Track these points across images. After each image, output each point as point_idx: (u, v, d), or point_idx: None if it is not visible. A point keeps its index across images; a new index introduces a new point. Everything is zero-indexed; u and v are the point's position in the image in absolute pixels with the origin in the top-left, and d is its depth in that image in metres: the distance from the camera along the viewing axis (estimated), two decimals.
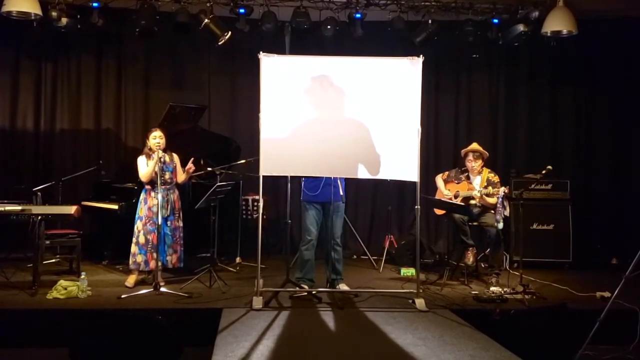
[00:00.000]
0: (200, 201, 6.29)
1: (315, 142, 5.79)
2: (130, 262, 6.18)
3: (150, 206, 6.17)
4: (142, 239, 6.14)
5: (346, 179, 6.19)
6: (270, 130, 5.76)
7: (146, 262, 6.14)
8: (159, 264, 6.05)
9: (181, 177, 6.39)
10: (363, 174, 5.92)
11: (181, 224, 6.36)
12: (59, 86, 8.34)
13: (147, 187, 6.22)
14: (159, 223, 5.95)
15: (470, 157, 6.91)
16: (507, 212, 6.65)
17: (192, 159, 6.34)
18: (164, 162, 6.16)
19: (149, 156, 6.19)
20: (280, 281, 6.14)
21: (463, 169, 7.06)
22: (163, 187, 6.10)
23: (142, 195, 6.24)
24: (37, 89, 8.28)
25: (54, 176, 7.68)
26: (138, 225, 6.19)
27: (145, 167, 6.17)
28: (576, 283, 6.62)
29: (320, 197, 6.04)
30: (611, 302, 4.48)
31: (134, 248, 6.16)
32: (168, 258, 6.19)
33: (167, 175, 6.21)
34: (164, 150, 6.20)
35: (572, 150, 8.69)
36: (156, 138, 6.19)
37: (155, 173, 6.05)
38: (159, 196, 6.01)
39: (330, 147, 5.77)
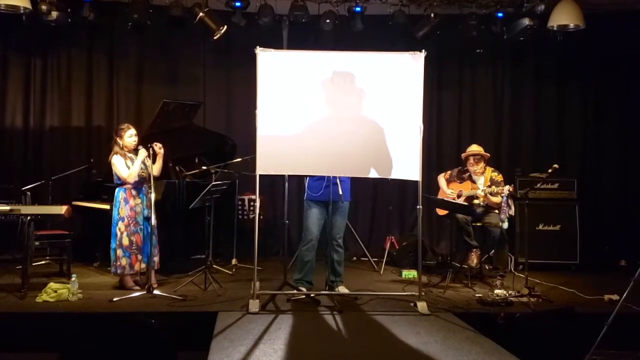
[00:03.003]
0: (194, 201, 6.28)
1: (314, 140, 5.78)
2: (116, 266, 6.09)
3: (132, 206, 6.13)
4: (125, 241, 6.09)
5: (351, 178, 6.19)
6: (267, 128, 5.75)
7: (131, 265, 6.11)
8: (143, 265, 6.06)
9: (159, 167, 6.25)
10: (363, 172, 5.92)
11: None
12: (48, 82, 8.32)
13: (127, 186, 6.15)
14: (153, 223, 5.95)
15: (472, 160, 6.92)
16: (512, 212, 6.66)
17: (155, 143, 6.11)
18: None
19: (124, 155, 6.15)
20: (278, 284, 6.15)
21: (465, 168, 7.06)
22: (143, 185, 6.08)
23: (122, 195, 6.15)
24: (26, 85, 8.26)
25: (43, 175, 7.68)
26: (120, 226, 6.10)
27: (125, 168, 6.12)
28: (583, 285, 6.63)
29: (323, 197, 6.02)
30: (620, 305, 4.48)
31: (118, 251, 6.08)
32: (155, 259, 6.14)
33: (146, 173, 6.16)
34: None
35: (579, 148, 8.70)
36: (132, 136, 6.16)
37: (145, 171, 6.06)
38: (146, 195, 5.99)
39: (329, 145, 5.76)
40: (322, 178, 6.00)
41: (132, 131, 6.19)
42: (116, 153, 6.16)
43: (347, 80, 5.80)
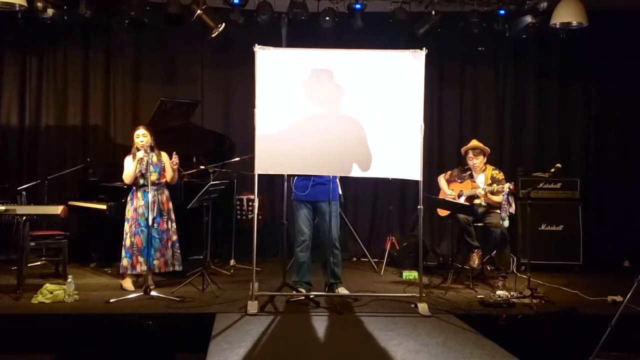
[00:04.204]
0: (192, 201, 6.28)
1: (313, 139, 5.78)
2: (120, 265, 6.20)
3: (135, 207, 6.16)
4: (127, 242, 6.16)
5: (341, 177, 6.18)
6: (266, 127, 5.74)
7: (132, 266, 6.14)
8: (145, 267, 6.07)
9: (170, 175, 6.37)
10: (363, 172, 5.91)
11: (171, 226, 6.33)
12: (44, 80, 8.32)
13: (134, 187, 6.21)
14: (150, 224, 5.95)
15: (470, 154, 6.92)
16: (512, 209, 6.64)
17: (175, 153, 6.25)
18: (151, 162, 6.11)
19: (135, 156, 6.18)
20: (277, 285, 6.14)
21: (466, 167, 7.06)
22: (151, 187, 6.08)
23: (129, 196, 6.24)
24: (22, 84, 8.26)
25: (39, 175, 7.68)
26: (125, 227, 6.19)
27: (128, 168, 6.16)
28: (586, 286, 6.63)
29: (310, 197, 6.04)
30: (623, 306, 4.48)
31: (123, 251, 6.17)
32: (155, 262, 6.16)
33: (155, 176, 6.17)
34: (152, 149, 6.18)
35: (582, 147, 8.69)
36: (139, 136, 6.17)
37: (141, 173, 6.06)
38: (149, 196, 6.00)
39: (328, 144, 5.76)
40: (308, 178, 6.01)
41: (139, 131, 6.21)
42: (130, 153, 6.24)
43: (347, 78, 5.80)
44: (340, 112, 5.82)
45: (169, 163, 6.30)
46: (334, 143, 5.77)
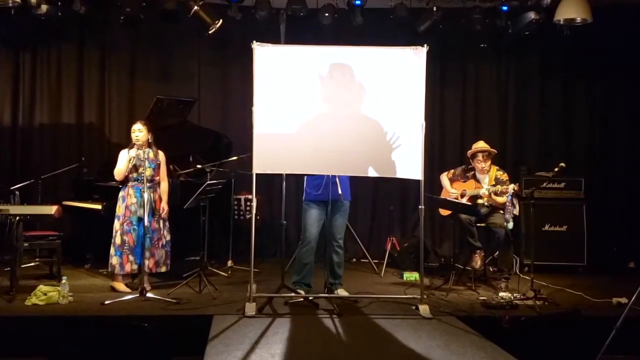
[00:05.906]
0: (189, 201, 6.28)
1: (312, 138, 5.77)
2: (109, 264, 6.18)
3: (128, 205, 6.14)
4: (118, 240, 6.12)
5: (350, 176, 6.18)
6: (264, 125, 5.73)
7: (121, 265, 6.11)
8: (135, 266, 6.06)
9: (164, 181, 6.37)
10: (363, 171, 5.91)
11: (163, 225, 6.29)
12: (38, 77, 8.33)
13: (129, 184, 6.18)
14: (145, 224, 5.95)
15: (480, 157, 6.89)
16: (516, 211, 6.64)
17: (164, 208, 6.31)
18: (147, 158, 6.11)
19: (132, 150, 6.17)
20: (275, 286, 6.13)
21: (470, 166, 7.05)
22: (143, 184, 6.08)
23: (121, 193, 6.20)
24: (15, 81, 8.27)
25: (32, 174, 7.66)
26: (116, 224, 6.17)
27: (120, 164, 6.15)
28: (591, 288, 6.63)
29: (323, 196, 5.99)
30: (628, 308, 4.48)
31: (111, 249, 6.14)
32: (145, 262, 6.10)
33: (149, 172, 6.14)
34: (149, 145, 6.17)
35: (587, 146, 8.70)
36: (135, 132, 6.15)
37: (135, 168, 6.05)
38: (141, 194, 5.99)
39: (328, 142, 5.75)
40: (321, 177, 5.98)
41: (135, 126, 6.19)
42: (125, 148, 6.23)
43: (347, 75, 5.79)
44: (339, 111, 5.81)
45: (164, 164, 6.34)
46: (333, 142, 5.75)
